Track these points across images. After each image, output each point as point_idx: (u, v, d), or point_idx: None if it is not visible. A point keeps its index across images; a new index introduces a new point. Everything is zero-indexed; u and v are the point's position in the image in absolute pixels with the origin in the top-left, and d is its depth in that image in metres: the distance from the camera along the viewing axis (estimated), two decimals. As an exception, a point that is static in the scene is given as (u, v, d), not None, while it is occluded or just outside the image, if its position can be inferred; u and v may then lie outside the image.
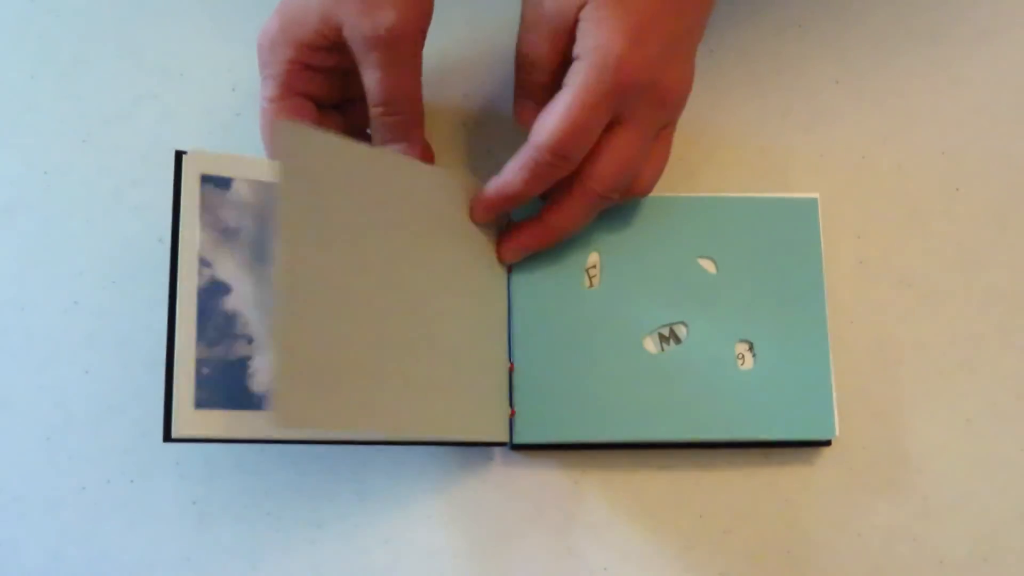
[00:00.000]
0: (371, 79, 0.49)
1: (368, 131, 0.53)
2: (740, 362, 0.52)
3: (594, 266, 0.53)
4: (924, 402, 0.54)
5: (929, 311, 0.55)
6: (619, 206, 0.53)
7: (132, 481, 0.53)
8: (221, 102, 0.58)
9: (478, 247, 0.52)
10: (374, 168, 0.47)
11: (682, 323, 0.52)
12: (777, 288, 0.53)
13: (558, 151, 0.46)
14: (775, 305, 0.52)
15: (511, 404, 0.52)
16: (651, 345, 0.52)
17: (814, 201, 0.54)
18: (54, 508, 0.53)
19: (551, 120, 0.46)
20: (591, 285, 0.53)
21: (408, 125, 0.50)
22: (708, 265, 0.53)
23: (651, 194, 0.54)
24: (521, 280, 0.53)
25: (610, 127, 0.47)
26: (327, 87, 0.51)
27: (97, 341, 0.55)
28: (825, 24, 0.59)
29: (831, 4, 0.59)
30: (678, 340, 0.52)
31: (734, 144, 0.57)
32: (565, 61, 0.47)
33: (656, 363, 0.52)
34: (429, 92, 0.58)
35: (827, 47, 0.59)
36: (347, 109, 0.53)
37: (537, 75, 0.48)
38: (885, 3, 0.59)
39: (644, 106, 0.47)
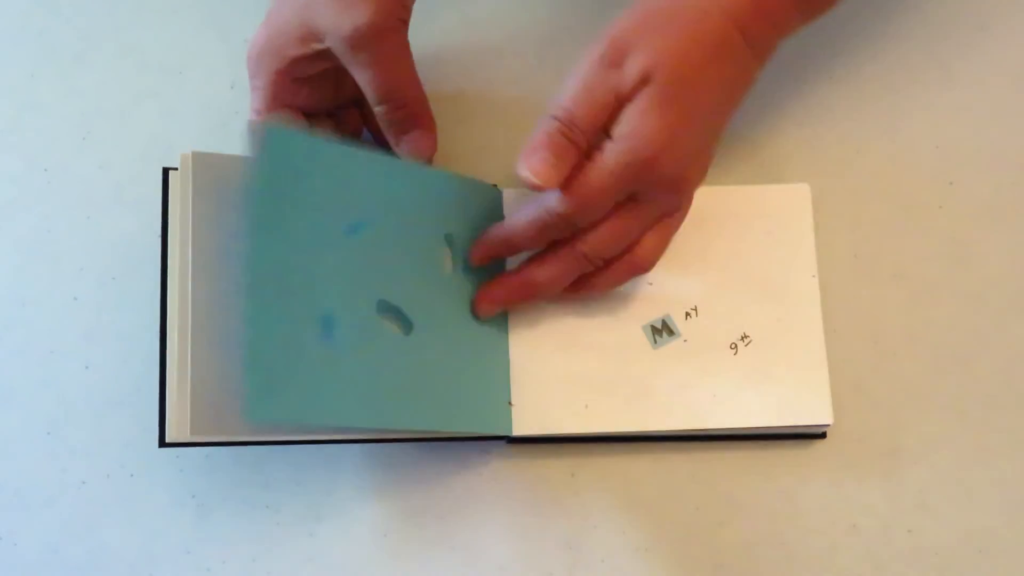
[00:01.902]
0: (364, 79, 0.49)
1: (359, 137, 0.54)
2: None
3: None
4: (918, 394, 0.54)
5: (924, 304, 0.55)
6: None
7: (132, 475, 0.54)
8: (220, 100, 0.59)
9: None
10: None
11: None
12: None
13: (568, 218, 0.46)
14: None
15: (509, 397, 0.52)
16: (645, 338, 0.53)
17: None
18: (54, 502, 0.53)
19: (569, 191, 0.45)
20: None
21: (414, 115, 0.51)
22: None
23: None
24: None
25: (623, 201, 0.46)
26: (316, 96, 0.52)
27: (97, 336, 0.55)
28: (819, 19, 0.59)
29: None
30: (671, 332, 0.53)
31: (729, 138, 0.57)
32: (601, 129, 0.45)
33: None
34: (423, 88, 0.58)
35: (821, 42, 0.59)
36: (339, 116, 0.54)
37: (571, 134, 0.45)
38: (879, -1, 0.60)
39: (660, 192, 0.46)
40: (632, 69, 0.44)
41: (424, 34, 0.50)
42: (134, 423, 0.54)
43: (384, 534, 0.53)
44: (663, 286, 0.53)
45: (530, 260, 0.50)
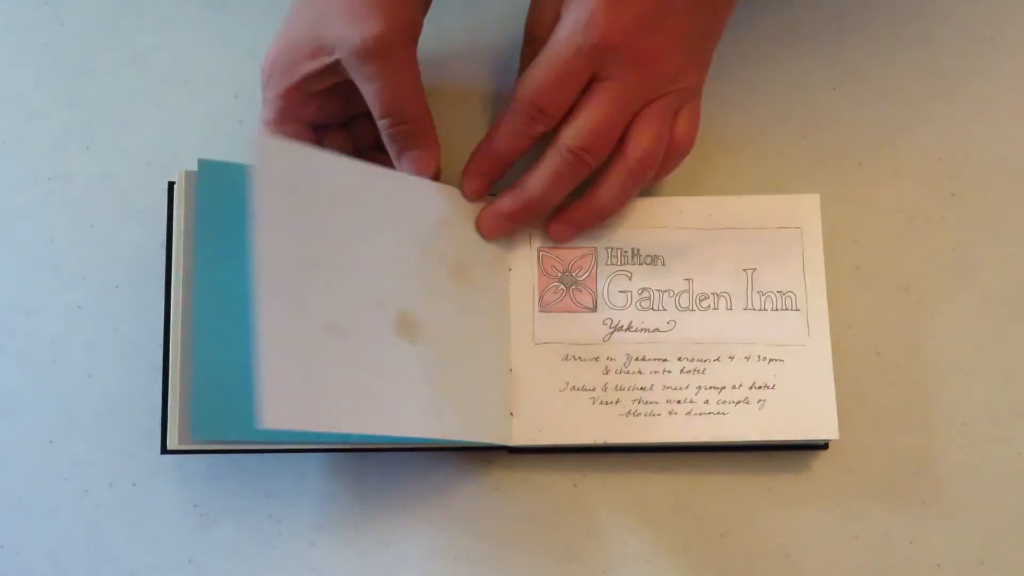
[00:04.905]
0: (370, 93, 0.49)
1: (374, 149, 0.53)
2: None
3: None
4: (921, 406, 0.54)
5: (926, 315, 0.55)
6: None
7: (134, 484, 0.54)
8: (224, 109, 0.59)
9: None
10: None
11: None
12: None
13: (535, 103, 0.48)
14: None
15: (510, 407, 0.52)
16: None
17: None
18: (57, 511, 0.53)
19: (528, 75, 0.48)
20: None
21: (417, 133, 0.50)
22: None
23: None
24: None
25: (588, 86, 0.48)
26: (326, 110, 0.52)
27: (100, 345, 0.55)
28: (821, 30, 0.59)
29: (827, 10, 0.60)
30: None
31: (731, 149, 0.58)
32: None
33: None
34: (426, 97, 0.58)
35: (823, 53, 0.59)
36: (354, 126, 0.54)
37: (537, 48, 0.49)
38: (881, 9, 0.60)
39: (620, 68, 0.48)
40: None
41: (428, 39, 0.50)
42: (137, 432, 0.54)
43: (386, 544, 0.53)
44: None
45: (524, 171, 0.51)
